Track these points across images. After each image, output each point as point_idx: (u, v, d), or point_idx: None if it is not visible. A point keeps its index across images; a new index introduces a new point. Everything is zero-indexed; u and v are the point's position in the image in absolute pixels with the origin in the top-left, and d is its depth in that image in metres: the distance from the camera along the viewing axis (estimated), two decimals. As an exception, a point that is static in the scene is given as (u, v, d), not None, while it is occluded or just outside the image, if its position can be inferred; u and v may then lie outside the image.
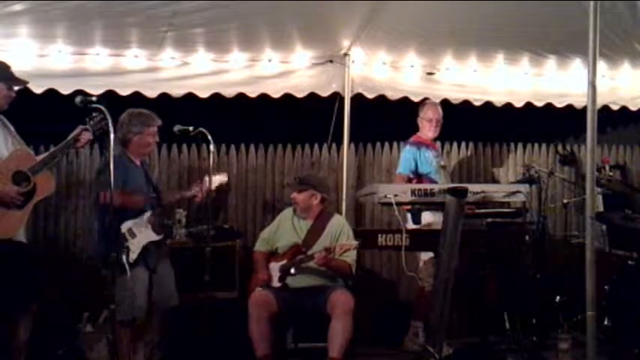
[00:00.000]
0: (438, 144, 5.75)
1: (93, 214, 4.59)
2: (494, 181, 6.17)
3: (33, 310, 3.97)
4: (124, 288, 4.10)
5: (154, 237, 4.35)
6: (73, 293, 5.00)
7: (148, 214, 4.35)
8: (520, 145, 6.38)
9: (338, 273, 4.62)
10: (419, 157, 5.21)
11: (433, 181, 5.13)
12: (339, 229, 4.69)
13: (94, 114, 3.95)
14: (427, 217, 4.96)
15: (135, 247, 4.24)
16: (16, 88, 3.98)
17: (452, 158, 6.20)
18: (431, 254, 4.93)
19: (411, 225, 4.89)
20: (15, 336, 3.92)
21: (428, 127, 5.32)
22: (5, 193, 3.71)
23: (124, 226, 4.24)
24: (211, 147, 4.34)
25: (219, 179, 4.62)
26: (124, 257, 4.11)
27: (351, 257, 4.60)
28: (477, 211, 4.49)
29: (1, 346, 3.90)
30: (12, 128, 4.00)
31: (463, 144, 6.25)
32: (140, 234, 4.28)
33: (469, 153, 6.27)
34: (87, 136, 3.96)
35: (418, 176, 5.19)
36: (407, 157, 5.25)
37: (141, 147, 4.45)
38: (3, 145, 3.87)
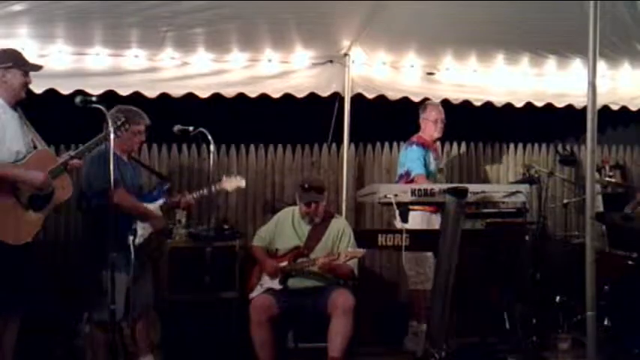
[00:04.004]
0: (438, 145, 5.69)
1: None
2: (494, 181, 6.17)
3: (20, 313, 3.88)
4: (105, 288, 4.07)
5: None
6: (73, 293, 5.00)
7: (161, 201, 4.41)
8: (520, 145, 6.39)
9: (340, 277, 4.61)
10: (425, 157, 5.18)
11: None
12: (341, 231, 4.68)
13: (117, 117, 3.97)
14: (415, 216, 4.95)
15: (143, 231, 4.24)
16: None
17: (452, 158, 6.19)
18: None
19: (399, 223, 4.84)
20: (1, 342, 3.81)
21: (433, 127, 5.28)
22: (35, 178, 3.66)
23: None
24: (211, 147, 4.34)
25: (236, 182, 4.65)
26: (130, 239, 4.08)
27: (353, 261, 4.59)
28: (477, 211, 4.49)
29: None
30: (28, 123, 3.94)
31: (463, 144, 6.25)
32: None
33: (469, 153, 6.27)
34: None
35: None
36: (417, 156, 5.16)
37: (125, 143, 4.35)
38: (22, 140, 3.79)
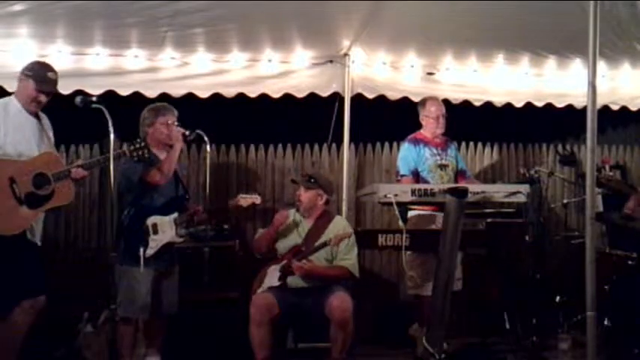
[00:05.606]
0: (445, 140, 5.33)
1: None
2: (494, 181, 6.17)
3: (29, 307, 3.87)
4: (131, 285, 4.11)
5: (176, 239, 4.37)
6: (73, 293, 5.00)
7: (175, 214, 4.37)
8: (520, 145, 6.38)
9: (337, 280, 4.61)
10: (416, 155, 5.11)
11: (425, 181, 5.00)
12: (340, 231, 4.67)
13: (137, 140, 4.01)
14: (412, 215, 4.95)
15: (154, 243, 4.24)
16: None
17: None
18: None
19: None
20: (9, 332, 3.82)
21: (434, 124, 5.15)
22: None
23: (150, 220, 4.25)
24: (207, 148, 4.35)
25: (251, 199, 4.65)
26: (141, 251, 4.11)
27: (351, 260, 4.60)
28: (477, 211, 4.49)
29: None
30: (51, 132, 4.00)
31: (463, 144, 6.24)
32: (163, 232, 4.28)
33: (469, 153, 6.26)
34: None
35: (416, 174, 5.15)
36: (403, 155, 5.14)
37: (156, 138, 4.43)
38: (35, 144, 3.86)
